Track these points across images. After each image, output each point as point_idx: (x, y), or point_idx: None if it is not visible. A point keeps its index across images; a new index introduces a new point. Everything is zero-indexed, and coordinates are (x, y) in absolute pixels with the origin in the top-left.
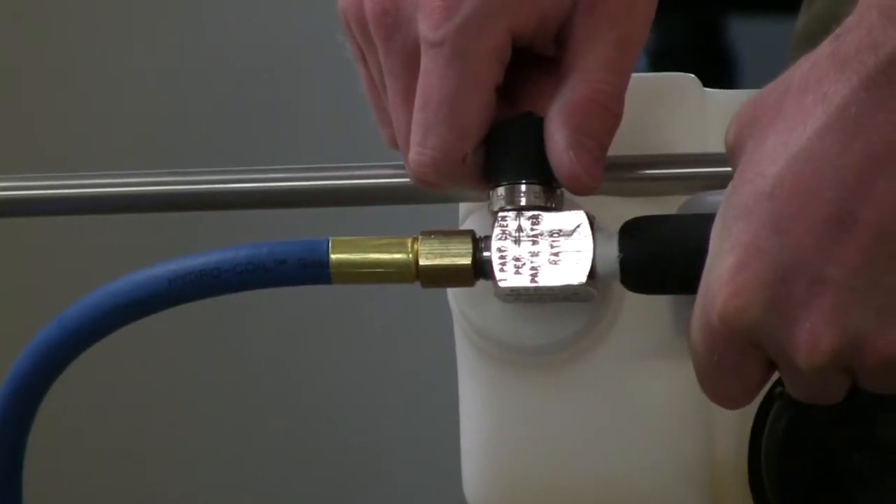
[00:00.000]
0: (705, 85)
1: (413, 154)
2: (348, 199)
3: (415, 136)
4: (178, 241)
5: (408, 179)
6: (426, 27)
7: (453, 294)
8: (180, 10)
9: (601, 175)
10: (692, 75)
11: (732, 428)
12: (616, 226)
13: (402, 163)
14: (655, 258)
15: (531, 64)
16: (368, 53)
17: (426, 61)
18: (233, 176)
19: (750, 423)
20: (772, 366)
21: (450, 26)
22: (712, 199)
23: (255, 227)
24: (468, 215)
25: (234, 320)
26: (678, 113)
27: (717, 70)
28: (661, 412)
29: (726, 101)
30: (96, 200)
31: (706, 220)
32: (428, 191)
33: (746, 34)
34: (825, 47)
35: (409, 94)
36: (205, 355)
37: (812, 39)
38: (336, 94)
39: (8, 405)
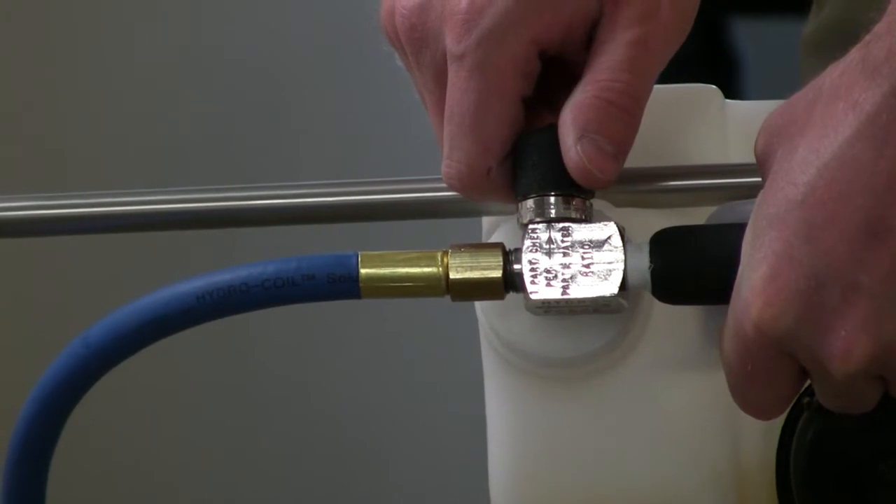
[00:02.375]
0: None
1: (442, 167)
2: (372, 215)
3: (443, 149)
4: (197, 257)
5: (431, 194)
6: (450, 40)
7: (481, 307)
8: (180, 11)
9: (614, 169)
10: (713, 86)
11: (760, 438)
12: (643, 237)
13: (424, 177)
14: (687, 268)
15: (569, 73)
16: (409, 66)
17: (451, 74)
18: (255, 193)
19: (777, 434)
20: (804, 375)
21: (470, 39)
22: (742, 208)
23: (270, 243)
24: (493, 229)
25: (242, 323)
26: (699, 124)
27: (721, 73)
28: (688, 423)
29: (747, 112)
30: (120, 219)
31: (737, 229)
32: (452, 205)
33: (750, 36)
34: (855, 54)
35: (442, 107)
36: (213, 359)
37: (822, 46)
38: (337, 95)
39: (32, 425)
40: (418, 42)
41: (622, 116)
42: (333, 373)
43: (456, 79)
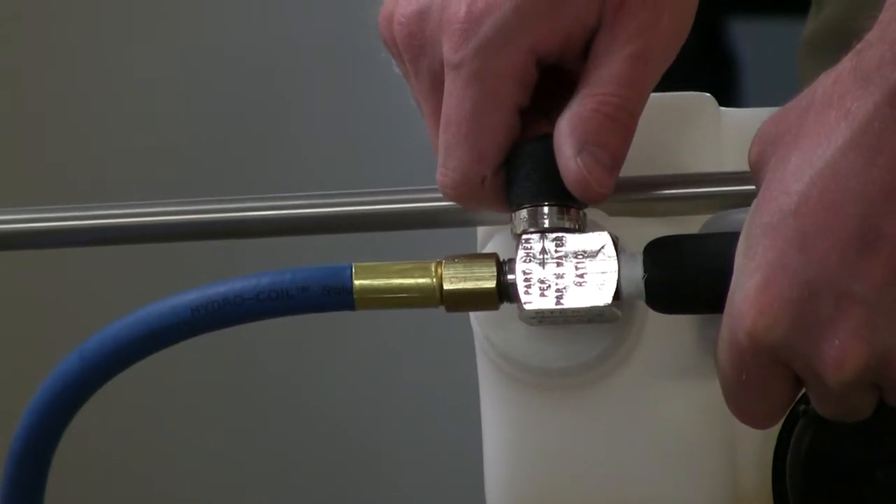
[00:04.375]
0: (707, 89)
1: (437, 175)
2: (366, 226)
3: (439, 157)
4: (192, 269)
5: (425, 204)
6: (447, 49)
7: (476, 317)
8: (180, 13)
9: (612, 183)
10: (708, 94)
11: (756, 446)
12: (637, 246)
13: (418, 188)
14: (680, 278)
15: (564, 82)
16: (406, 73)
17: (448, 83)
18: (249, 204)
19: (773, 442)
20: (799, 383)
21: (468, 48)
22: (735, 217)
23: (264, 254)
24: (488, 239)
25: (241, 325)
26: (693, 132)
27: (720, 73)
28: (684, 432)
29: (741, 120)
30: (113, 231)
31: (730, 238)
32: (447, 215)
33: (749, 37)
34: (847, 62)
35: (438, 115)
36: (212, 360)
37: (822, 46)
38: (337, 98)
39: (29, 436)
40: (416, 50)
41: (619, 130)
42: (332, 376)
43: (453, 87)
